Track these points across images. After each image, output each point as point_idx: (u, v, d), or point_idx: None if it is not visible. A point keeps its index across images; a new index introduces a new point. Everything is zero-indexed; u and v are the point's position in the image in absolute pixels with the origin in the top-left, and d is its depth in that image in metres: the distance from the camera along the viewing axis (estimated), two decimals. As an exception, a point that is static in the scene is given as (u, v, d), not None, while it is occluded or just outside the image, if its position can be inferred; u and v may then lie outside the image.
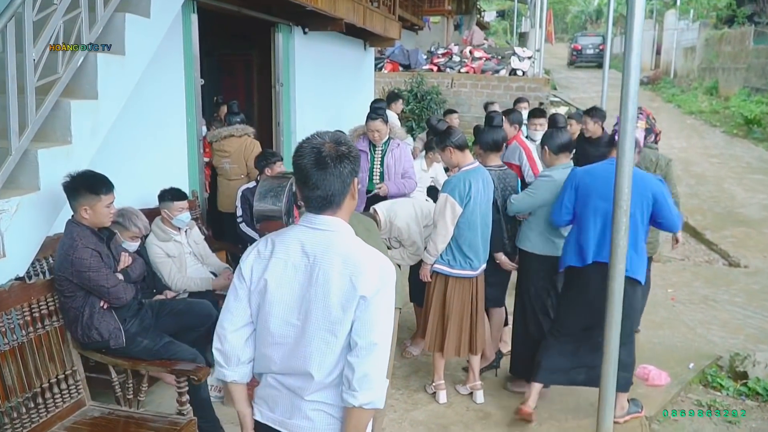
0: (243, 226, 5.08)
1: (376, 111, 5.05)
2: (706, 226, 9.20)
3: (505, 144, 4.54)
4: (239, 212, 5.13)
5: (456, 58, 15.20)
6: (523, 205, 4.05)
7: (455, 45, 17.06)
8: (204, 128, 6.55)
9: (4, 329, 2.91)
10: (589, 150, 5.73)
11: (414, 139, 8.50)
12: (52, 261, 3.58)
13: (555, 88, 21.14)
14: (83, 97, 3.61)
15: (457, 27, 25.10)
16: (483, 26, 28.90)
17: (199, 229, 5.22)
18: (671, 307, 6.10)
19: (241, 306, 1.93)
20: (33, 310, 3.12)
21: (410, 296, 4.89)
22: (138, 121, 4.73)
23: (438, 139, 3.94)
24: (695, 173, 12.20)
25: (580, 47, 29.74)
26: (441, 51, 15.98)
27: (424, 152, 6.31)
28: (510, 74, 13.94)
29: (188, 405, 3.20)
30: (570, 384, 4.01)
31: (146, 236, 4.48)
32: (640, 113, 4.49)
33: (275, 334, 1.88)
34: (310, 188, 1.83)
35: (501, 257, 4.22)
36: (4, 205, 2.99)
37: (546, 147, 4.06)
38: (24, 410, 2.95)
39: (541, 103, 12.51)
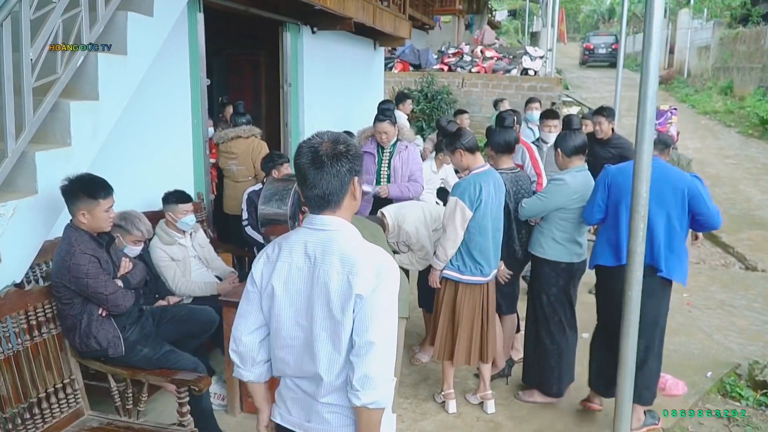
0: (248, 230, 4.98)
1: (384, 112, 4.93)
2: (721, 229, 8.92)
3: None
4: (245, 215, 5.03)
5: (467, 58, 15.06)
6: (534, 210, 3.93)
7: (466, 44, 16.90)
8: (211, 129, 6.47)
9: (-1, 337, 2.83)
10: (598, 151, 5.61)
11: (424, 140, 8.39)
12: (50, 266, 3.49)
13: (567, 88, 20.94)
14: (84, 97, 3.52)
15: (468, 26, 24.94)
16: (494, 26, 28.70)
17: (205, 232, 5.13)
18: (687, 313, 5.95)
19: (253, 310, 1.98)
20: (30, 318, 3.04)
21: (419, 302, 4.78)
22: (142, 121, 4.64)
23: (448, 141, 3.82)
24: (710, 174, 11.99)
25: (592, 46, 29.51)
26: (452, 51, 15.84)
27: (434, 153, 6.20)
28: (521, 74, 13.78)
29: (189, 416, 3.10)
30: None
31: (150, 240, 4.40)
32: (674, 109, 4.39)
33: (285, 336, 1.91)
34: (308, 188, 1.85)
35: (500, 267, 4.06)
36: (0, 209, 2.90)
37: (559, 149, 3.94)
38: (20, 421, 2.87)
39: (553, 103, 12.36)
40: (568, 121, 4.19)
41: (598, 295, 3.99)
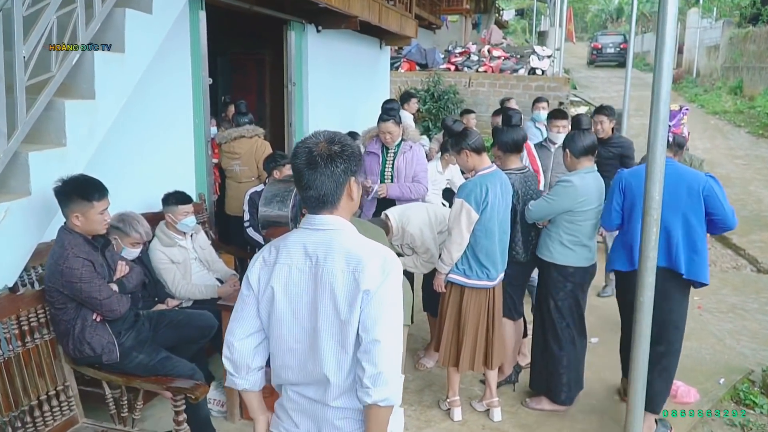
0: (250, 231, 4.90)
1: (388, 112, 4.81)
2: (732, 231, 8.81)
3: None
4: (246, 216, 4.95)
5: (474, 57, 14.92)
6: (541, 212, 3.81)
7: (473, 44, 16.77)
8: (214, 129, 6.40)
9: (-10, 343, 2.75)
10: (599, 151, 5.48)
11: (430, 140, 8.28)
12: (44, 270, 3.40)
13: (575, 88, 20.78)
14: (80, 96, 3.43)
15: (476, 26, 24.80)
16: (502, 25, 28.56)
17: (206, 233, 5.05)
18: (698, 316, 5.82)
19: (249, 314, 1.92)
20: (22, 323, 2.95)
21: (423, 306, 4.68)
22: (143, 121, 4.57)
23: (453, 141, 3.71)
24: (720, 175, 11.73)
25: (600, 46, 29.32)
26: (459, 50, 15.70)
27: (440, 153, 6.09)
28: (529, 73, 13.64)
29: (186, 424, 3.01)
30: None
31: (149, 242, 4.32)
32: (686, 109, 4.30)
33: (288, 340, 1.86)
34: (304, 188, 1.83)
35: None
36: (-8, 211, 2.82)
37: (567, 150, 3.83)
38: (11, 430, 2.77)
39: (561, 103, 12.23)
40: (577, 121, 4.05)
41: (617, 299, 4.01)
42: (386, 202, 4.73)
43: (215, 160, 6.03)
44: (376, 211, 4.81)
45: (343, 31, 7.74)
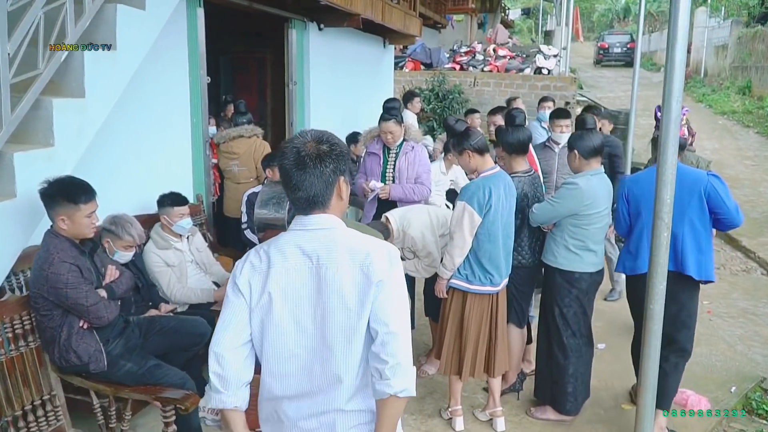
0: (248, 233, 4.78)
1: (389, 111, 4.68)
2: (742, 233, 8.69)
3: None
4: (244, 218, 4.84)
5: (479, 57, 14.77)
6: (545, 216, 3.68)
7: (478, 43, 16.63)
8: (213, 128, 6.29)
9: (-29, 351, 2.64)
10: None
11: (434, 140, 8.16)
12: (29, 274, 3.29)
13: (581, 88, 20.59)
14: (69, 95, 3.33)
15: (481, 25, 24.68)
16: (507, 24, 28.38)
17: (204, 235, 4.94)
18: (708, 322, 5.68)
19: (240, 323, 1.81)
20: (6, 330, 2.85)
21: (425, 311, 4.55)
22: (139, 121, 4.45)
23: (455, 142, 3.57)
24: (729, 176, 11.63)
25: (607, 45, 29.10)
26: (464, 49, 15.56)
27: (443, 154, 5.97)
28: (535, 73, 13.49)
29: (176, 435, 2.89)
30: None
31: (144, 244, 4.22)
32: (686, 109, 4.19)
33: (290, 346, 1.78)
34: (292, 189, 1.78)
35: None
36: (-26, 215, 2.72)
37: (576, 150, 3.68)
38: (-7, 441, 2.67)
39: (567, 103, 12.07)
40: (581, 121, 3.89)
41: (628, 300, 3.98)
42: (387, 204, 4.61)
43: (214, 161, 5.92)
44: (376, 213, 4.69)
45: (345, 29, 7.61)
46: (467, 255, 3.49)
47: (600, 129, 7.14)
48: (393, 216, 4.06)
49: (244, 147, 5.49)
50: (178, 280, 4.23)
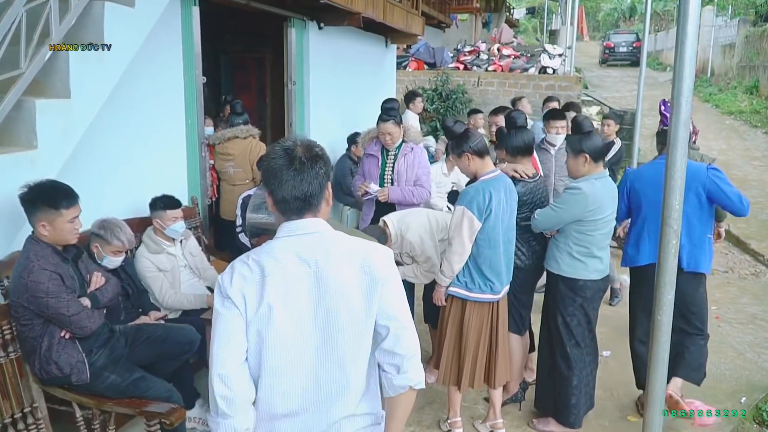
0: (242, 237, 4.66)
1: (388, 112, 4.54)
2: (750, 235, 8.54)
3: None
4: (239, 221, 4.72)
5: (483, 56, 14.62)
6: (548, 222, 3.53)
7: (482, 42, 16.48)
8: (211, 129, 6.17)
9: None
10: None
11: (437, 141, 8.02)
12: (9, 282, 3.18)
13: (586, 87, 20.40)
14: (55, 95, 3.23)
15: (486, 25, 24.51)
16: (512, 24, 28.15)
17: (198, 239, 4.82)
18: (716, 327, 5.52)
19: (238, 338, 1.70)
20: (-15, 340, 2.73)
21: (424, 317, 4.42)
22: (132, 122, 4.34)
23: (454, 144, 3.43)
24: (737, 177, 11.45)
25: (612, 45, 28.86)
26: (468, 49, 15.42)
27: (445, 155, 5.84)
28: (540, 72, 13.33)
29: (160, 451, 2.77)
30: None
31: (136, 248, 4.11)
32: None
33: (294, 355, 1.71)
34: (286, 190, 1.72)
35: None
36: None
37: (587, 155, 3.45)
38: (-30, 457, 2.56)
39: (572, 103, 11.91)
40: (577, 124, 3.59)
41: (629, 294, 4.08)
42: (386, 207, 4.48)
43: (212, 162, 5.80)
44: (374, 217, 4.56)
45: (346, 28, 7.48)
46: (466, 261, 3.36)
47: (606, 129, 7.02)
48: (391, 220, 3.94)
49: (240, 148, 5.37)
50: (170, 286, 4.12)
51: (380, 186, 4.57)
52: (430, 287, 3.88)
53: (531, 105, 8.41)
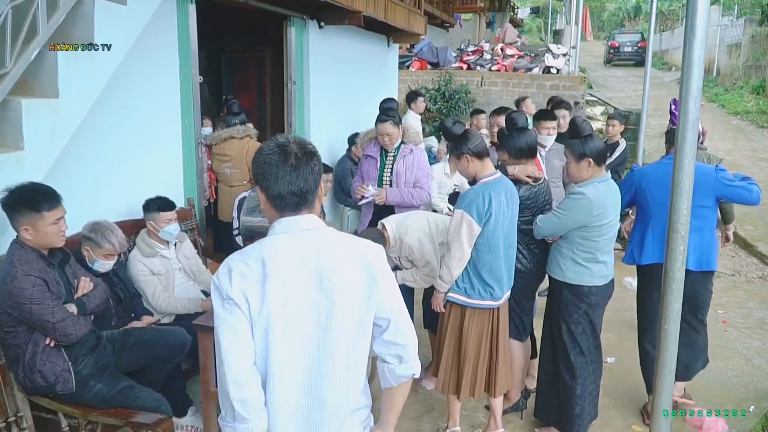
0: (239, 239, 4.56)
1: (386, 112, 4.43)
2: (758, 237, 8.41)
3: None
4: (236, 223, 4.62)
5: (487, 56, 14.50)
6: (551, 229, 3.39)
7: (486, 42, 16.36)
8: (209, 129, 6.08)
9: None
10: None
11: (439, 141, 7.92)
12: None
13: (591, 87, 20.25)
14: (43, 95, 3.13)
15: (490, 24, 24.39)
16: (516, 24, 28.03)
17: (195, 241, 4.73)
18: (723, 333, 5.41)
19: (246, 339, 1.67)
20: (-33, 348, 2.64)
21: (424, 323, 4.32)
22: (127, 123, 4.26)
23: (453, 146, 3.32)
24: (743, 178, 11.32)
25: (617, 44, 28.69)
26: (471, 48, 15.31)
27: (448, 156, 5.73)
28: (544, 72, 13.22)
29: (148, 463, 2.68)
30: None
31: (129, 251, 4.02)
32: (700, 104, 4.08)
33: (299, 351, 1.70)
34: (283, 186, 1.71)
35: None
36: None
37: (591, 159, 3.30)
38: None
39: (576, 103, 11.81)
40: (576, 127, 3.39)
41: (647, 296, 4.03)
42: (385, 209, 4.38)
43: (210, 163, 5.71)
44: (373, 219, 4.46)
45: (347, 27, 7.38)
46: (466, 267, 3.25)
47: (610, 129, 6.92)
48: (389, 223, 3.85)
49: (237, 148, 5.28)
50: (164, 290, 4.04)
51: (379, 187, 4.47)
52: (430, 291, 3.77)
53: (536, 105, 8.29)
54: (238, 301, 1.65)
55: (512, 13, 28.54)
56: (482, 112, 7.52)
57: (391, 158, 4.49)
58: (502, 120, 4.78)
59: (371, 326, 1.79)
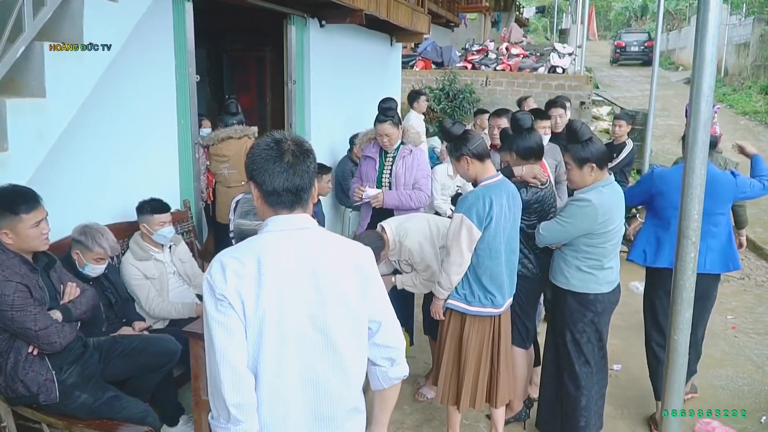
0: (235, 242, 4.46)
1: (385, 112, 4.31)
2: (767, 240, 8.27)
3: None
4: (232, 225, 4.51)
5: (492, 56, 14.39)
6: (554, 237, 3.25)
7: (491, 41, 16.25)
8: (208, 129, 5.98)
9: None
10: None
11: (442, 142, 7.80)
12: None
13: (597, 87, 20.10)
14: (29, 94, 3.03)
15: (495, 24, 24.28)
16: (522, 23, 27.87)
17: (190, 244, 4.63)
18: (733, 339, 5.28)
19: (240, 341, 1.62)
20: (-54, 357, 2.53)
21: (424, 329, 4.20)
22: (121, 123, 4.16)
23: (453, 147, 3.20)
24: (752, 179, 11.16)
25: (623, 44, 28.52)
26: (476, 48, 15.20)
27: (450, 156, 5.62)
28: (549, 72, 13.09)
29: (134, 476, 2.58)
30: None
31: (122, 254, 3.92)
32: (717, 107, 4.06)
33: (294, 352, 1.65)
34: (279, 183, 1.68)
35: None
36: None
37: (594, 164, 3.17)
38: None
39: (582, 103, 11.68)
40: (574, 132, 3.22)
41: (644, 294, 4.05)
42: (384, 212, 4.27)
43: (208, 163, 5.61)
44: (371, 222, 4.35)
45: (348, 26, 7.27)
46: (466, 273, 3.14)
47: (617, 129, 6.79)
48: (389, 225, 3.73)
49: (234, 149, 5.18)
50: (158, 294, 3.94)
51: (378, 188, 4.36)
52: (430, 297, 3.65)
53: (539, 105, 8.17)
54: (233, 301, 1.60)
55: (518, 13, 28.45)
56: (486, 112, 7.39)
57: (391, 159, 4.37)
58: (502, 122, 4.65)
59: (366, 325, 1.77)
